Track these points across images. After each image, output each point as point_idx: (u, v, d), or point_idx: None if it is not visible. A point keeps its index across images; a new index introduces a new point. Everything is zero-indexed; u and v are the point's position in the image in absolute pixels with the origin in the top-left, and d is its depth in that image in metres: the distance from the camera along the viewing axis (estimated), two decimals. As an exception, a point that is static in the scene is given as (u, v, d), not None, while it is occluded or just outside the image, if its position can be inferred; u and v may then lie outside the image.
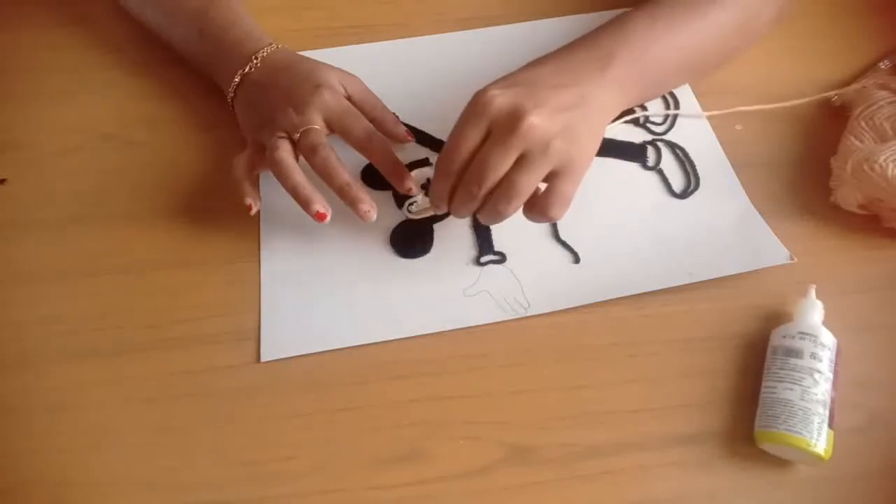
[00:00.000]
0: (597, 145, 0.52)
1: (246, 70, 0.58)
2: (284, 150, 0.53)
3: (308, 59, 0.59)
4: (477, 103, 0.49)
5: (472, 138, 0.49)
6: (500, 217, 0.50)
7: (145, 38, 0.68)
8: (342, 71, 0.58)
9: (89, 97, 0.66)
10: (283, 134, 0.54)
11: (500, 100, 0.48)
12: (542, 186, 0.50)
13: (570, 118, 0.49)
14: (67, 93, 0.66)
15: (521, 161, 0.48)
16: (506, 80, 0.50)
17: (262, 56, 0.58)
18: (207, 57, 0.62)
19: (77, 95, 0.66)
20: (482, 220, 0.52)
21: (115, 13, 0.69)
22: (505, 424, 0.49)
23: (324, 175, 0.53)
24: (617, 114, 0.55)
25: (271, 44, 0.59)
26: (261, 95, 0.57)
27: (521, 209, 0.50)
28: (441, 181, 0.51)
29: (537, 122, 0.47)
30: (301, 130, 0.53)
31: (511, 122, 0.47)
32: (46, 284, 0.56)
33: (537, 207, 0.50)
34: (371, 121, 0.56)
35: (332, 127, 0.55)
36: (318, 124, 0.54)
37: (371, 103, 0.58)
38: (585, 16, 0.69)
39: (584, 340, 0.52)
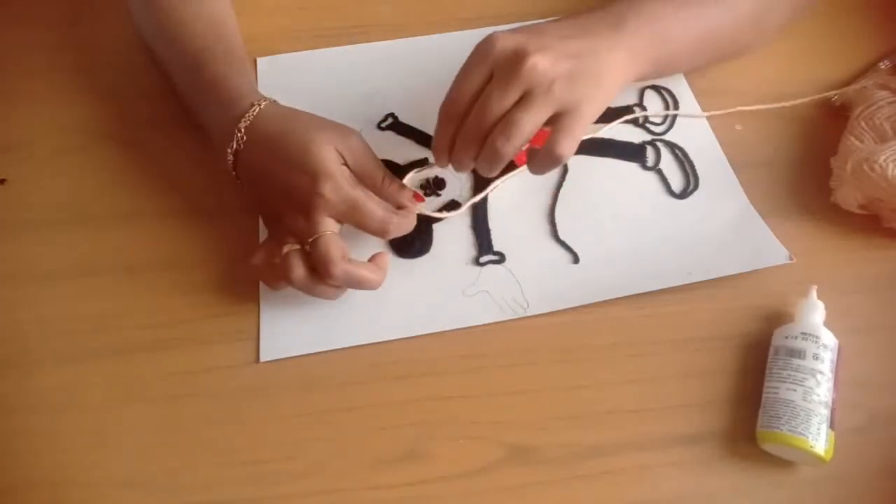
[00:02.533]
0: (604, 101, 0.51)
1: (234, 147, 0.53)
2: (298, 268, 0.50)
3: (294, 125, 0.52)
4: (482, 44, 0.49)
5: (475, 81, 0.49)
6: (498, 157, 0.48)
7: (145, 38, 0.68)
8: (336, 132, 0.52)
9: (89, 97, 0.66)
10: (294, 242, 0.52)
11: (504, 42, 0.48)
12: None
13: (576, 65, 0.48)
14: (67, 93, 0.66)
15: (522, 100, 0.48)
16: (515, 28, 0.50)
17: (246, 126, 0.53)
18: (199, 117, 0.58)
19: (77, 95, 0.66)
20: (480, 166, 0.50)
21: (114, 13, 0.69)
22: (505, 424, 0.49)
23: (350, 287, 0.52)
24: (629, 80, 0.53)
25: (248, 110, 0.53)
26: (261, 183, 0.53)
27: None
28: (444, 127, 0.50)
29: (541, 62, 0.47)
30: (310, 240, 0.50)
31: (513, 62, 0.47)
32: (46, 284, 0.56)
33: (544, 148, 0.49)
34: (374, 191, 0.53)
35: (342, 221, 0.52)
36: (327, 226, 0.50)
37: (368, 172, 0.53)
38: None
39: (584, 340, 0.52)
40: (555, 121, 0.48)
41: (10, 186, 0.61)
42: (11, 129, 0.64)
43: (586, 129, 0.49)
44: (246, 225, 0.57)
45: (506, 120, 0.48)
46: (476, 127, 0.48)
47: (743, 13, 0.58)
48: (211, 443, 0.49)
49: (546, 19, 0.67)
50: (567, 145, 0.48)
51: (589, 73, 0.49)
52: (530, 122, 0.47)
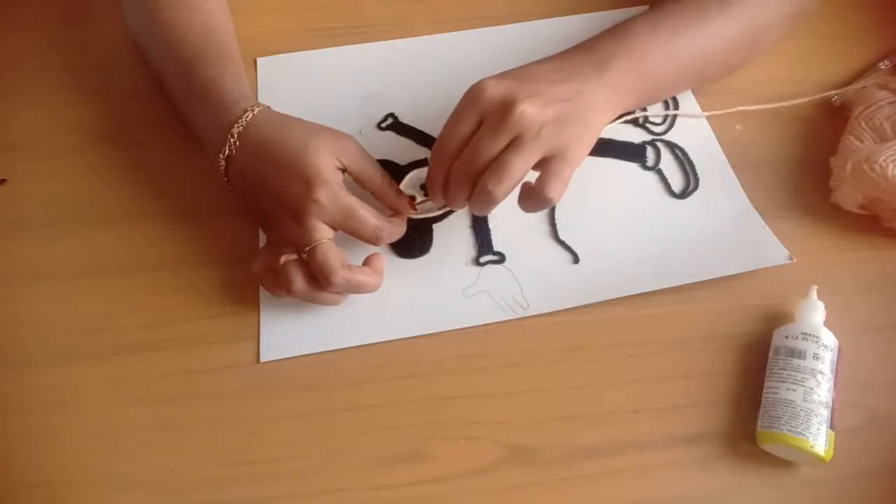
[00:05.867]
0: (591, 141, 0.52)
1: (227, 153, 0.53)
2: (298, 279, 0.50)
3: (288, 131, 0.52)
4: (471, 92, 0.49)
5: (465, 127, 0.49)
6: (490, 200, 0.49)
7: (145, 38, 0.68)
8: (332, 137, 0.52)
9: (89, 97, 0.66)
10: (290, 252, 0.52)
11: (493, 90, 0.49)
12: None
13: (563, 109, 0.49)
14: (67, 93, 0.66)
15: (512, 144, 0.48)
16: (501, 74, 0.51)
17: (239, 132, 0.52)
18: (192, 122, 0.58)
19: (77, 96, 0.66)
20: (473, 207, 0.51)
21: (116, 13, 0.69)
22: (505, 424, 0.49)
23: (350, 292, 0.53)
24: (613, 117, 0.54)
25: (241, 116, 0.53)
26: (254, 189, 0.53)
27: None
28: (436, 169, 0.51)
29: (529, 109, 0.48)
30: (307, 249, 0.50)
31: (503, 110, 0.48)
32: (46, 284, 0.56)
33: (534, 189, 0.49)
34: (374, 192, 0.54)
35: (336, 228, 0.51)
36: (322, 233, 0.50)
37: (369, 175, 0.53)
38: (587, 15, 0.69)
39: (584, 340, 0.52)
40: (543, 164, 0.49)
41: (10, 186, 0.61)
42: (11, 129, 0.64)
43: (575, 170, 0.50)
44: (246, 225, 0.57)
45: (497, 163, 0.48)
46: (466, 169, 0.49)
47: (735, 39, 0.58)
48: (211, 443, 0.49)
49: (544, 20, 0.69)
50: (557, 188, 0.49)
51: (576, 116, 0.50)
52: (520, 165, 0.48)
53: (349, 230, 0.52)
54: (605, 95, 0.52)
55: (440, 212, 0.57)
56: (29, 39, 0.70)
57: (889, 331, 0.52)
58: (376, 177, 0.53)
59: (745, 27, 0.58)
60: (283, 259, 0.52)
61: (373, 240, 0.52)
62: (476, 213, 0.53)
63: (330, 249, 0.50)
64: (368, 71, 0.67)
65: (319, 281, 0.51)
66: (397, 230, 0.54)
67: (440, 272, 0.55)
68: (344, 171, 0.52)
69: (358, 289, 0.52)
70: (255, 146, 0.52)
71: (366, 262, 0.53)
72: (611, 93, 0.52)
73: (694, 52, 0.57)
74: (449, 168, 0.50)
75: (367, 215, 0.51)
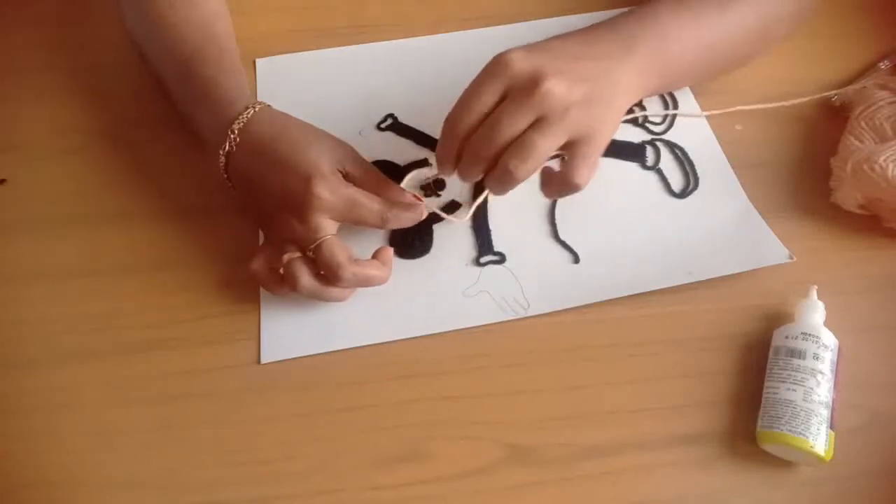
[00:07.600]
0: (615, 123, 0.50)
1: (227, 149, 0.53)
2: (304, 276, 0.50)
3: (288, 130, 0.53)
4: (496, 64, 0.47)
5: (486, 98, 0.47)
6: (511, 180, 0.47)
7: (145, 38, 0.68)
8: (333, 141, 0.53)
9: (89, 97, 0.66)
10: (294, 250, 0.52)
11: (521, 63, 0.47)
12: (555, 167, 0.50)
13: (591, 89, 0.47)
14: (67, 93, 0.66)
15: (537, 123, 0.46)
16: (526, 47, 0.48)
17: (239, 128, 0.52)
18: (191, 120, 0.58)
19: (77, 95, 0.66)
20: (491, 186, 0.49)
21: (115, 13, 0.69)
22: (505, 424, 0.49)
23: (358, 286, 0.53)
24: (637, 98, 0.53)
25: (242, 113, 0.53)
26: (254, 188, 0.53)
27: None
28: (449, 140, 0.49)
29: (557, 87, 0.46)
30: (313, 246, 0.50)
31: (529, 85, 0.46)
32: (46, 284, 0.56)
33: (561, 176, 0.48)
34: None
35: (341, 220, 0.51)
36: (326, 229, 0.50)
37: (373, 179, 0.53)
38: (587, 15, 0.69)
39: (584, 340, 0.52)
40: (569, 147, 0.48)
41: (10, 186, 0.61)
42: (11, 129, 0.64)
43: (600, 155, 0.49)
44: (246, 225, 0.57)
45: (520, 141, 0.46)
46: (486, 145, 0.47)
47: (750, 28, 0.58)
48: (211, 443, 0.49)
49: (543, 19, 0.69)
50: (585, 173, 0.47)
51: (602, 98, 0.48)
52: (546, 145, 0.46)
53: (354, 220, 0.51)
54: (630, 77, 0.51)
55: (447, 217, 0.56)
56: (29, 39, 0.70)
57: (889, 331, 0.52)
58: (377, 179, 0.53)
59: (758, 18, 0.57)
60: (286, 257, 0.51)
61: (379, 223, 0.51)
62: (493, 193, 0.51)
63: (335, 245, 0.50)
64: (368, 71, 0.67)
65: (328, 277, 0.50)
66: (406, 214, 0.52)
67: (440, 272, 0.55)
68: (346, 176, 0.52)
69: (366, 282, 0.52)
70: (254, 143, 0.52)
71: (374, 256, 0.53)
72: (636, 74, 0.51)
73: (712, 40, 0.56)
74: (464, 140, 0.48)
75: (370, 202, 0.51)
